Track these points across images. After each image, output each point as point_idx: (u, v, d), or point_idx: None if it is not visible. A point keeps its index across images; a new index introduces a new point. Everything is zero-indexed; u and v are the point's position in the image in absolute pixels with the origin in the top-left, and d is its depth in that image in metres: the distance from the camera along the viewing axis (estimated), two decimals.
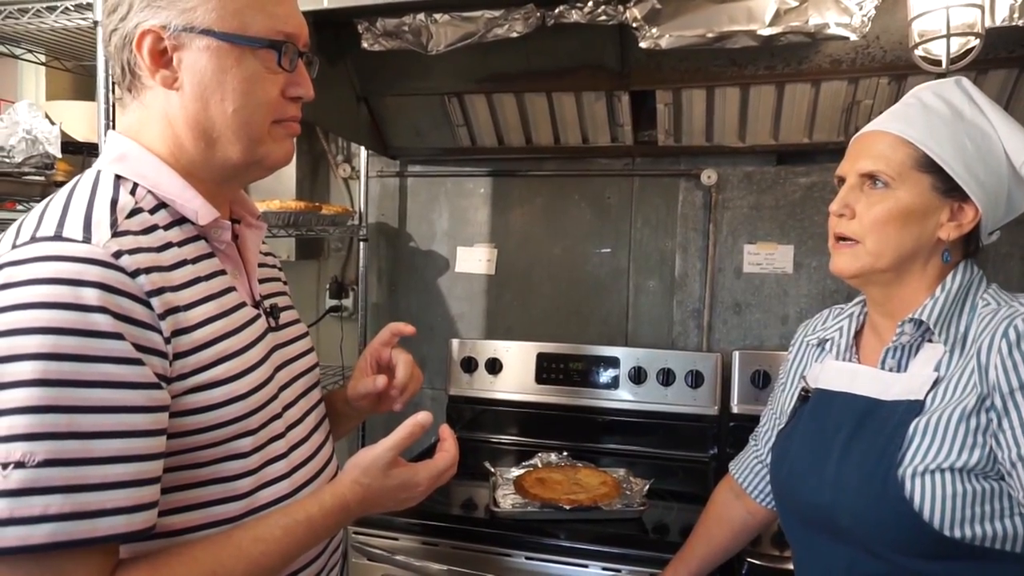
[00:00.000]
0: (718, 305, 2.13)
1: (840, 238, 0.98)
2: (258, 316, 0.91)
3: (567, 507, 1.55)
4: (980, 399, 0.86)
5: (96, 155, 1.22)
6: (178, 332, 0.77)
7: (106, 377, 0.69)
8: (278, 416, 0.90)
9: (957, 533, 0.85)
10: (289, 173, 2.26)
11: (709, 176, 2.07)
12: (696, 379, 2.00)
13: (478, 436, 2.18)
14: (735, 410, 1.98)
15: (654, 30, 1.53)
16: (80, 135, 1.74)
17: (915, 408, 0.90)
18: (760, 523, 1.28)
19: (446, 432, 0.97)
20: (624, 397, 2.06)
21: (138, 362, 0.72)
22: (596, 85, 1.91)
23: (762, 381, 1.95)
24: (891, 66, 1.71)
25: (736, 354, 2.00)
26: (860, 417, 0.95)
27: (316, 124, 2.28)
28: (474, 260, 2.31)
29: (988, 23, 1.28)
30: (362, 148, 2.26)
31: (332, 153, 2.38)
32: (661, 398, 2.03)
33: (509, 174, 2.26)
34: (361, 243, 2.25)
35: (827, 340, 1.09)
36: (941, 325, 0.92)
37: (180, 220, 0.84)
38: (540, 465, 1.82)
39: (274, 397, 0.89)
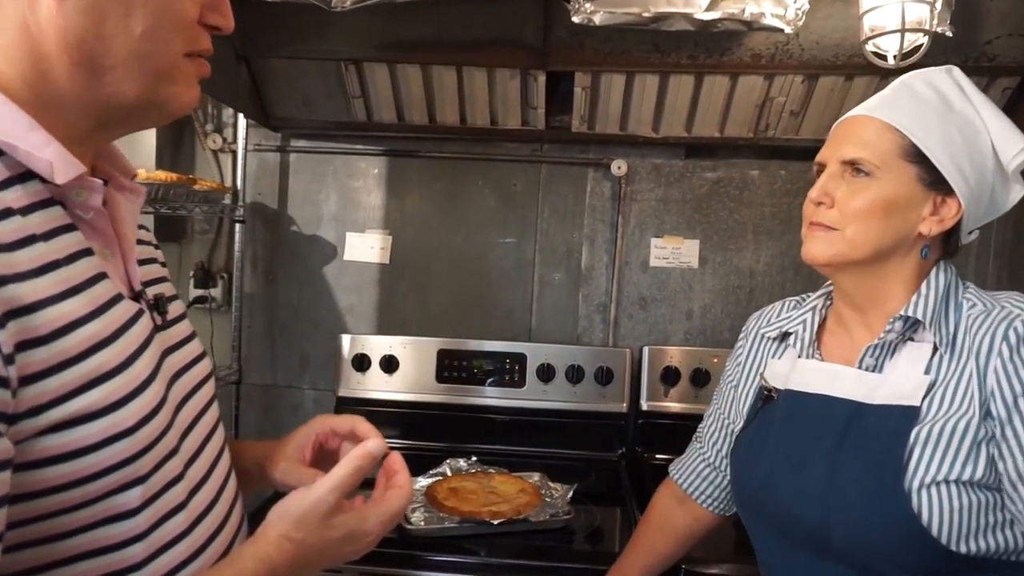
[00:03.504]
0: (624, 299, 2.08)
1: (815, 225, 0.92)
2: (141, 312, 0.68)
3: (494, 521, 1.41)
4: (980, 407, 0.82)
5: None
6: (26, 344, 0.54)
7: None
8: (175, 451, 0.68)
9: (963, 548, 0.81)
10: (147, 139, 1.93)
11: (619, 166, 2.01)
12: (606, 376, 1.93)
13: None
14: (644, 408, 1.94)
15: (588, 5, 1.43)
16: None
17: (911, 415, 0.85)
18: (706, 529, 1.22)
19: (396, 463, 0.79)
20: (531, 396, 1.96)
21: None
22: (512, 62, 1.77)
23: (672, 378, 1.91)
24: (806, 64, 1.71)
25: (645, 350, 1.95)
26: (846, 423, 0.89)
27: None
28: (366, 248, 2.11)
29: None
30: (239, 116, 1.97)
31: (200, 120, 2.07)
32: (570, 396, 1.95)
33: (408, 154, 2.07)
34: (237, 225, 1.97)
35: (790, 334, 1.03)
36: (934, 323, 0.88)
37: (22, 176, 0.59)
38: (450, 473, 1.67)
39: (169, 425, 0.67)
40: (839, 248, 0.91)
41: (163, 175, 1.48)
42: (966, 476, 0.81)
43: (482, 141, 2.05)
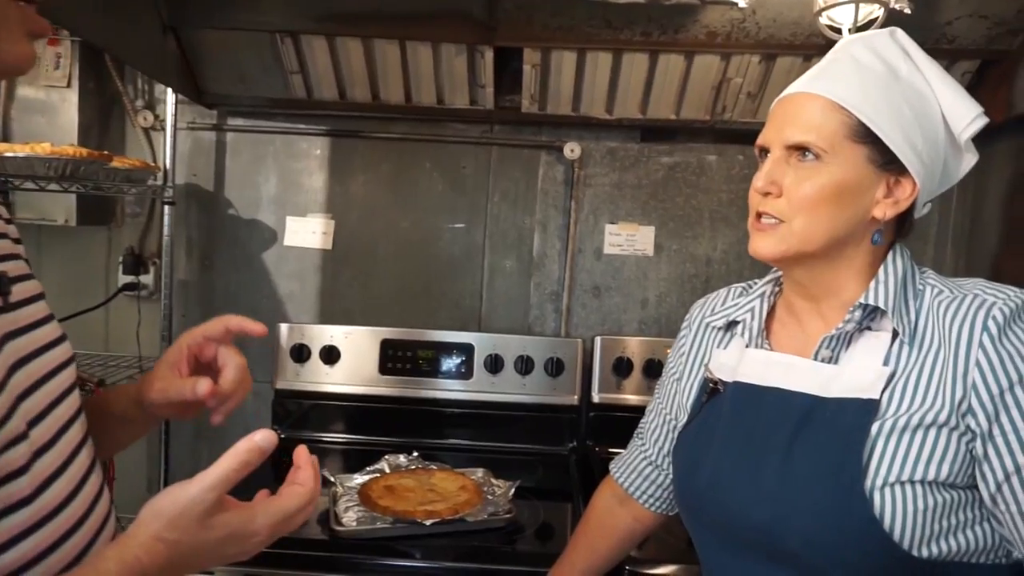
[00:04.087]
0: (577, 288, 2.00)
1: (763, 215, 0.85)
2: None
3: (426, 521, 1.33)
4: (955, 402, 0.76)
5: None
6: None
7: None
8: (21, 438, 0.61)
9: (925, 552, 0.74)
10: (69, 116, 1.80)
11: (572, 149, 1.93)
12: (556, 367, 1.86)
13: (311, 436, 1.89)
14: (596, 400, 1.87)
15: None
16: None
17: (871, 408, 0.78)
18: (648, 529, 1.15)
19: (302, 457, 0.70)
20: (479, 388, 1.88)
21: None
22: (458, 36, 1.68)
23: (624, 369, 1.85)
24: (763, 44, 1.65)
25: (597, 340, 1.88)
26: (801, 418, 0.82)
27: (108, 53, 1.84)
28: (307, 232, 2.00)
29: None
30: (168, 91, 1.85)
31: (129, 96, 1.95)
32: (519, 388, 1.87)
33: (351, 135, 1.97)
34: (166, 207, 1.85)
35: (738, 323, 0.96)
36: (896, 311, 0.81)
37: None
38: (388, 470, 1.59)
39: (10, 412, 0.61)
40: (789, 243, 0.83)
41: (71, 150, 1.36)
42: (931, 476, 0.75)
43: (429, 122, 1.95)
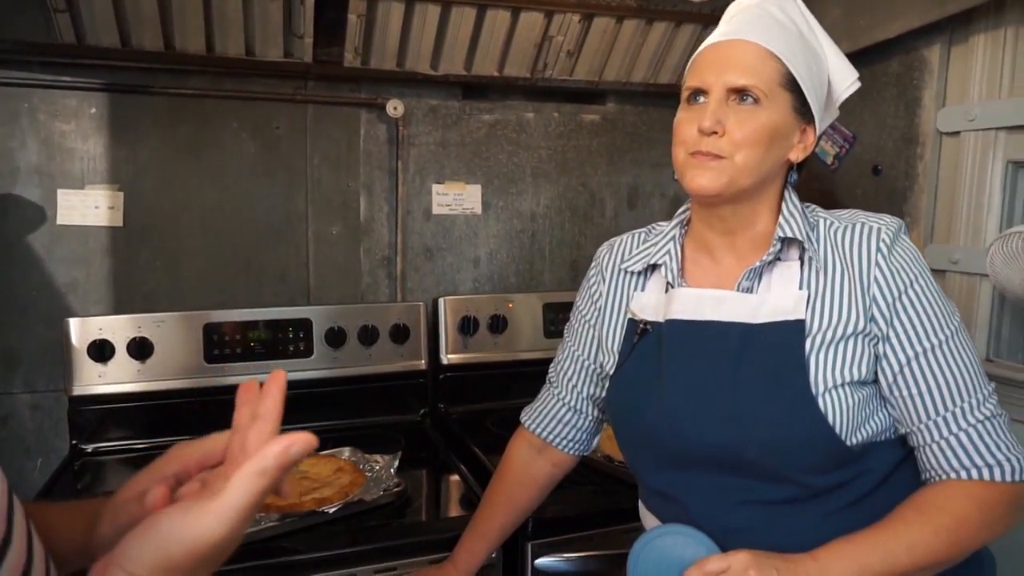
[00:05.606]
0: (409, 251, 1.95)
1: (703, 153, 0.90)
2: None
3: (328, 509, 1.22)
4: (865, 312, 0.88)
5: None
6: None
7: None
8: None
9: (853, 440, 0.87)
10: None
11: (396, 107, 1.85)
12: (402, 334, 1.80)
13: (125, 445, 1.62)
14: (445, 362, 1.85)
15: None
16: None
17: (800, 327, 0.88)
18: (564, 473, 1.18)
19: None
20: (321, 365, 1.75)
21: None
22: None
23: (472, 328, 1.85)
24: (584, 3, 1.72)
25: (442, 302, 1.86)
26: (739, 345, 0.90)
27: None
28: (88, 208, 1.68)
29: None
30: None
31: None
32: (364, 360, 1.78)
33: (137, 90, 1.68)
34: None
35: (658, 266, 1.01)
36: (807, 240, 0.92)
37: None
38: None
39: None
40: (730, 175, 0.89)
41: None
42: (855, 377, 0.87)
43: (233, 75, 1.73)
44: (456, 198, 1.98)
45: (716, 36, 0.93)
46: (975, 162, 1.45)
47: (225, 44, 1.63)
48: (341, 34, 1.68)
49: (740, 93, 0.88)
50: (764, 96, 0.88)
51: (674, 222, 1.05)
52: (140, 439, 1.63)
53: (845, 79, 0.96)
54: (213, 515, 0.51)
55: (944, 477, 0.88)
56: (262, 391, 0.60)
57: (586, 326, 1.10)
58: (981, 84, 1.45)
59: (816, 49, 0.95)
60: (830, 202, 1.31)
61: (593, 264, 1.12)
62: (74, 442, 1.60)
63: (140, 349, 1.60)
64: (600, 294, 1.08)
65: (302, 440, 0.53)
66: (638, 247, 1.06)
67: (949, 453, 0.87)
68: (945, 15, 1.42)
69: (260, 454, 0.53)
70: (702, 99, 0.91)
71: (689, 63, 0.96)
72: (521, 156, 2.02)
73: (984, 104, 1.43)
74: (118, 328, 1.60)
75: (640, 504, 1.07)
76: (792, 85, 0.90)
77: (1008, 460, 0.86)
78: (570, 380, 1.13)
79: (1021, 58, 1.38)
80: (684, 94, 0.94)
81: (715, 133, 0.88)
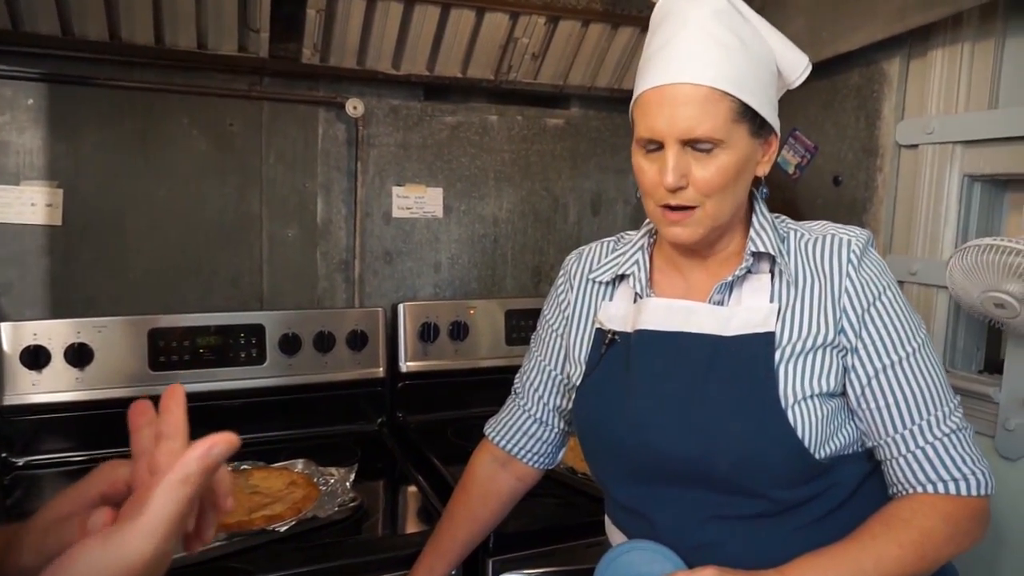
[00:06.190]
0: (368, 255, 1.89)
1: (674, 210, 0.87)
2: None
3: (279, 528, 1.16)
4: (835, 324, 0.87)
5: None
6: None
7: None
8: None
9: (822, 453, 0.86)
10: None
11: (355, 107, 1.80)
12: (360, 340, 1.74)
13: (61, 458, 1.53)
14: (404, 369, 1.80)
15: None
16: None
17: (770, 340, 0.87)
18: (528, 487, 1.15)
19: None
20: (274, 372, 1.68)
21: None
22: None
23: (432, 334, 1.80)
24: (549, 6, 1.70)
25: (401, 308, 1.81)
26: (709, 356, 0.88)
27: None
28: (23, 205, 1.58)
29: None
30: None
31: None
32: (319, 367, 1.72)
33: (79, 81, 1.59)
34: None
35: (627, 276, 0.99)
36: (781, 255, 0.90)
37: None
38: None
39: None
40: (705, 224, 0.88)
41: None
42: (824, 389, 0.86)
43: (185, 68, 1.65)
44: (417, 201, 1.93)
45: (656, 72, 0.86)
46: (933, 175, 1.47)
47: (176, 36, 1.56)
48: (299, 29, 1.62)
49: (695, 143, 0.85)
50: (721, 140, 0.84)
51: (642, 231, 1.02)
52: (78, 451, 1.54)
53: (796, 67, 0.93)
54: (138, 534, 0.46)
55: (910, 491, 0.87)
56: (160, 409, 0.54)
57: (553, 336, 1.07)
58: (939, 98, 1.47)
59: (760, 52, 0.89)
60: (791, 211, 1.30)
61: (561, 273, 1.09)
62: (4, 455, 1.50)
63: (79, 356, 1.51)
64: (568, 303, 1.05)
65: (224, 440, 0.48)
66: (607, 256, 1.04)
67: (916, 466, 0.87)
68: (907, 28, 1.44)
69: (181, 462, 0.48)
70: (655, 150, 0.87)
71: (634, 99, 0.90)
72: (484, 159, 1.98)
73: (942, 118, 1.45)
74: (55, 333, 1.51)
75: (606, 519, 1.05)
76: (746, 113, 0.86)
77: (973, 474, 0.86)
78: (536, 391, 1.10)
79: (977, 74, 1.41)
80: (637, 137, 0.89)
81: (681, 188, 0.86)
